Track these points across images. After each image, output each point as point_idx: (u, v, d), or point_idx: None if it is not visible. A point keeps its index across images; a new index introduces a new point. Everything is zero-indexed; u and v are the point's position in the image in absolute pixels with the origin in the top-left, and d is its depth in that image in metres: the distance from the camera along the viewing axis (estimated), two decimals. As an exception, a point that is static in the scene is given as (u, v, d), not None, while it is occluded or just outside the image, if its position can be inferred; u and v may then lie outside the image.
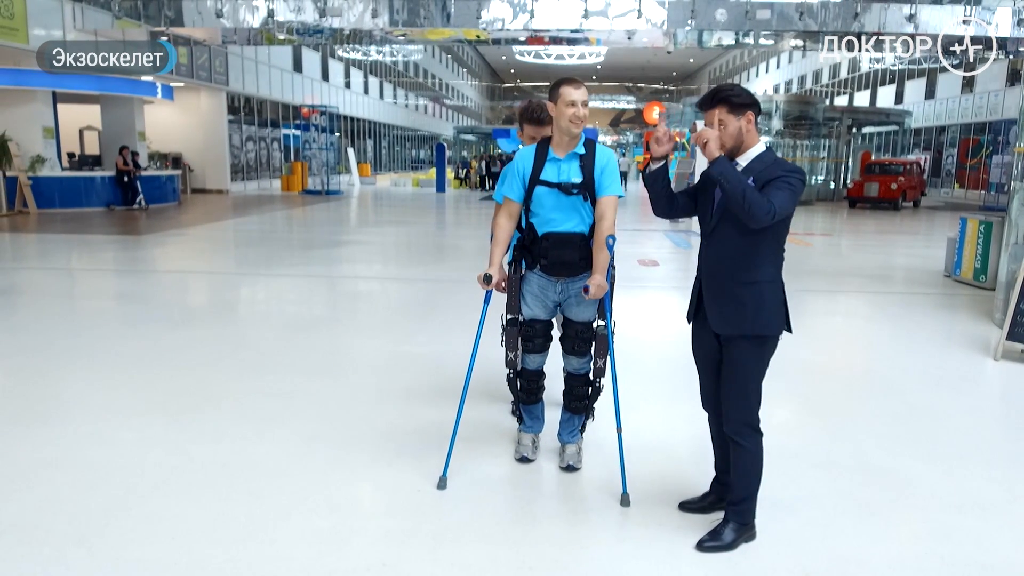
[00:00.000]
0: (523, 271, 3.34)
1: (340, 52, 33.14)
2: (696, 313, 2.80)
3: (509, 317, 3.37)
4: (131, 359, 5.19)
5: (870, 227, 17.14)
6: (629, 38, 18.03)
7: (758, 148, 2.64)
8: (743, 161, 2.64)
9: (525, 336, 3.35)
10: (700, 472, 3.28)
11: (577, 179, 3.17)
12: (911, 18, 15.80)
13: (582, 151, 3.20)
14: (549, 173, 3.19)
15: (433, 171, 31.80)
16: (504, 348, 3.37)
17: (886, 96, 35.31)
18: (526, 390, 3.46)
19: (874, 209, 22.35)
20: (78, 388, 4.54)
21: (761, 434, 2.75)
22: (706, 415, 2.97)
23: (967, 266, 8.85)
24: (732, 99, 2.60)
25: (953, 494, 3.25)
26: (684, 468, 3.42)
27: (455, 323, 6.40)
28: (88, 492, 3.09)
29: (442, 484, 3.16)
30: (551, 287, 3.29)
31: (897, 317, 7.35)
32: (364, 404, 4.27)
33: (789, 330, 2.71)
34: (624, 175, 36.65)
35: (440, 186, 28.81)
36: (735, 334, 2.66)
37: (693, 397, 2.97)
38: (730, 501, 2.78)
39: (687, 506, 3.01)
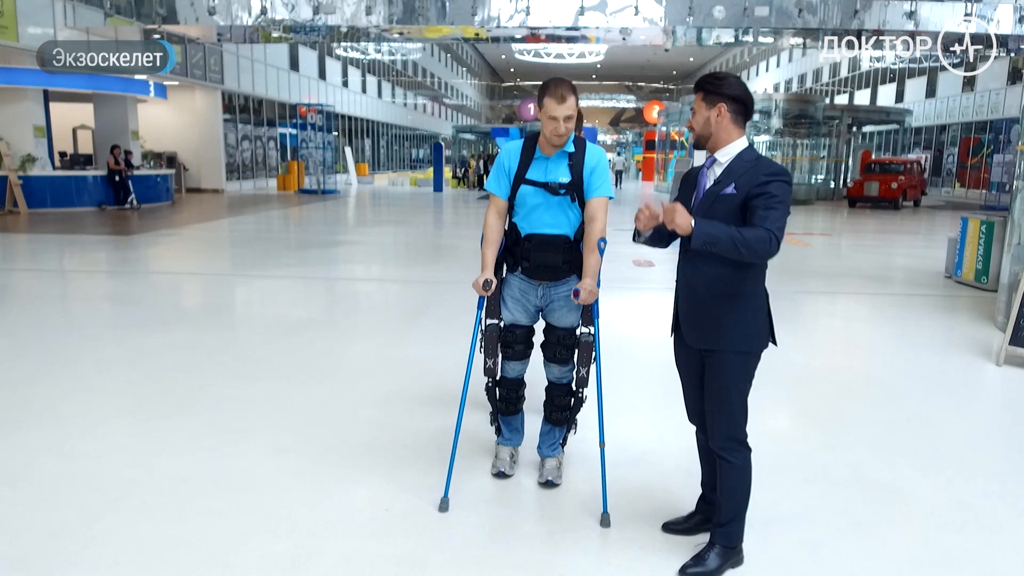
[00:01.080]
0: (504, 273, 3.17)
1: (338, 51, 32.98)
2: (677, 324, 2.62)
3: (489, 322, 3.20)
4: (108, 364, 5.03)
5: (870, 227, 16.96)
6: (624, 39, 17.87)
7: (739, 145, 2.45)
8: (723, 159, 2.46)
9: (505, 342, 3.18)
10: (686, 487, 3.10)
11: (565, 179, 2.99)
12: (911, 15, 15.61)
13: (571, 149, 3.03)
14: (535, 172, 3.02)
15: (431, 170, 31.61)
16: (483, 355, 3.19)
17: (886, 95, 35.13)
18: (505, 400, 3.28)
19: (874, 208, 22.18)
20: (48, 395, 4.36)
21: (749, 449, 2.57)
22: (693, 427, 2.79)
23: (968, 267, 8.67)
24: (707, 87, 2.44)
25: (954, 511, 3.07)
26: (670, 483, 3.25)
27: (444, 326, 6.23)
28: (37, 509, 2.92)
29: (444, 506, 2.97)
30: (533, 291, 3.12)
31: (896, 319, 7.17)
32: (340, 413, 4.09)
33: (774, 343, 2.53)
34: (620, 173, 36.42)
35: (437, 185, 28.62)
36: (714, 349, 2.48)
37: (679, 406, 2.79)
38: (716, 522, 2.60)
39: (671, 527, 2.83)
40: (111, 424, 3.86)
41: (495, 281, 2.99)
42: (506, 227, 3.15)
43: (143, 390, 4.45)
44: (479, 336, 3.16)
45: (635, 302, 7.60)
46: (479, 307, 3.12)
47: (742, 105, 2.42)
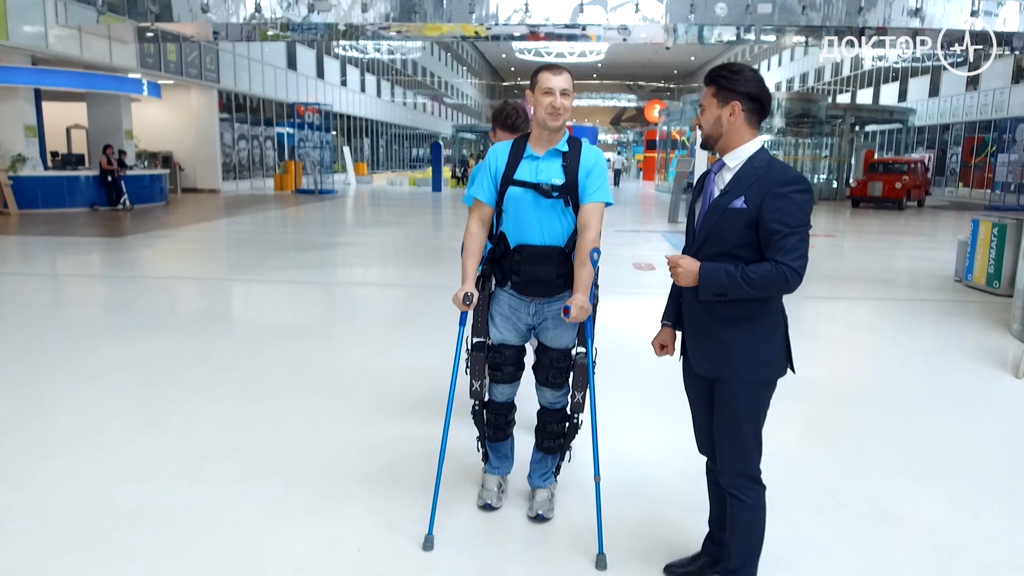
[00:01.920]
0: (492, 288, 2.89)
1: (336, 50, 32.69)
2: (685, 347, 2.35)
3: (475, 341, 2.92)
4: (80, 377, 4.76)
5: (874, 227, 16.68)
6: (624, 39, 17.60)
7: (751, 147, 2.16)
8: (732, 163, 2.18)
9: (493, 363, 2.89)
10: (692, 520, 2.84)
11: (558, 180, 2.69)
12: (917, 12, 15.32)
13: (565, 148, 2.73)
14: (524, 171, 2.72)
15: (430, 170, 31.31)
16: (468, 376, 2.91)
17: (889, 94, 34.83)
18: (493, 425, 2.99)
19: (878, 209, 21.91)
20: (8, 413, 4.07)
21: (763, 487, 2.30)
22: (698, 450, 2.52)
23: (979, 271, 8.40)
24: (721, 81, 2.14)
25: (985, 549, 2.79)
26: (673, 515, 2.97)
27: (434, 334, 5.95)
28: (-25, 548, 2.65)
29: (428, 544, 2.70)
30: (524, 308, 2.82)
31: (906, 326, 6.90)
32: (317, 432, 3.82)
33: (792, 370, 2.26)
34: (619, 173, 36.08)
35: (436, 185, 28.29)
36: (723, 377, 2.21)
37: (686, 424, 2.51)
38: (726, 568, 2.33)
39: (674, 570, 2.55)
40: (71, 446, 3.59)
41: (476, 294, 2.71)
42: (495, 236, 2.86)
43: (112, 406, 4.18)
44: (463, 356, 2.88)
45: (635, 308, 7.32)
46: (461, 323, 2.83)
47: (758, 104, 2.14)
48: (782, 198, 2.05)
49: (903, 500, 3.19)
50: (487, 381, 2.94)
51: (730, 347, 2.17)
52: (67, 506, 2.97)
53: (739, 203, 2.10)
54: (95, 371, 4.89)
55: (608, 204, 2.75)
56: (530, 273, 2.74)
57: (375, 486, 3.18)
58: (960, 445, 3.90)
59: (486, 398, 2.97)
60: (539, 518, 2.90)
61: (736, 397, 2.19)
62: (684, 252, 2.29)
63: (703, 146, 2.26)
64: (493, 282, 2.87)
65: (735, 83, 2.12)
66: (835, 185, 27.56)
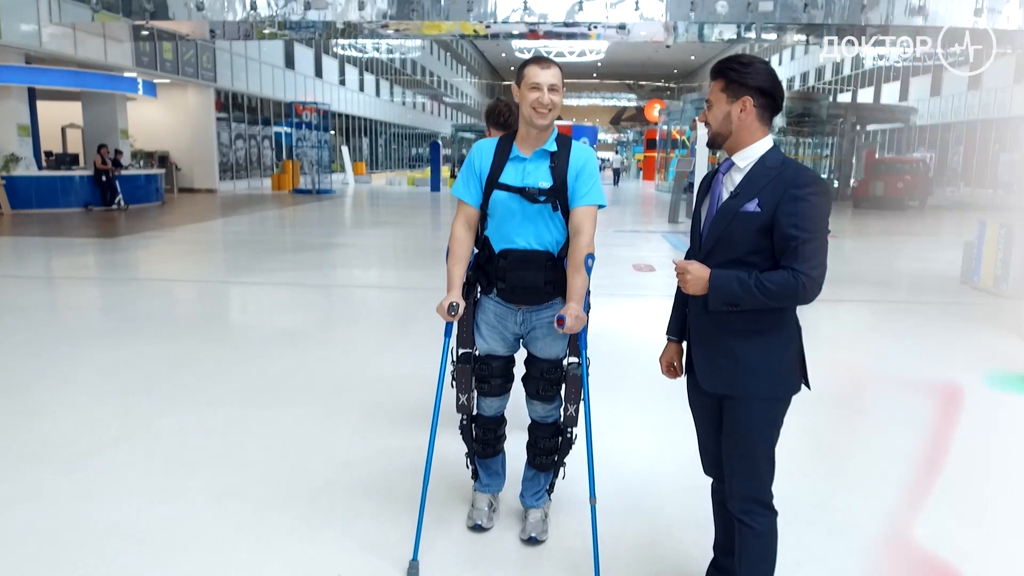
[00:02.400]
0: (477, 295, 2.72)
1: (335, 49, 32.53)
2: (692, 362, 2.17)
3: (461, 351, 2.75)
4: (58, 384, 4.58)
5: (876, 227, 16.50)
6: (622, 38, 17.43)
7: (762, 146, 1.99)
8: (742, 163, 2.00)
9: (480, 376, 2.72)
10: (695, 543, 2.67)
11: (545, 183, 2.51)
12: (920, 10, 15.14)
13: (553, 148, 2.54)
14: (510, 175, 2.54)
15: (429, 170, 31.13)
16: (455, 389, 2.74)
17: (890, 93, 34.65)
18: (482, 441, 2.83)
19: (880, 208, 21.73)
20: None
21: (775, 513, 2.12)
22: (703, 471, 2.35)
23: (987, 272, 8.23)
24: (731, 75, 1.96)
25: None
26: (675, 537, 2.80)
27: (428, 339, 5.74)
28: (-70, 575, 2.48)
29: (413, 570, 2.52)
30: (511, 316, 2.65)
31: (912, 330, 6.73)
32: (302, 444, 3.65)
33: (807, 385, 2.09)
34: (617, 172, 35.90)
35: (435, 185, 28.10)
36: (733, 395, 2.04)
37: (689, 434, 2.35)
38: (731, 599, 2.16)
39: (675, 600, 2.39)
40: (40, 460, 3.41)
41: (462, 304, 2.53)
42: (480, 240, 2.68)
43: (88, 415, 4.01)
44: (449, 368, 2.71)
45: (634, 310, 7.14)
46: (446, 333, 2.66)
47: (771, 99, 1.96)
48: (799, 201, 1.88)
49: (916, 519, 3.01)
50: (475, 394, 2.77)
51: (742, 361, 2.00)
52: (32, 526, 2.80)
53: (752, 207, 1.93)
54: (75, 379, 4.71)
55: (601, 206, 2.57)
56: (516, 279, 2.56)
57: (359, 505, 3.01)
58: (978, 461, 3.72)
59: (474, 412, 2.81)
60: (532, 540, 2.73)
61: (748, 415, 2.02)
62: (689, 258, 2.12)
63: (709, 144, 2.08)
64: (478, 289, 2.70)
65: (746, 76, 1.95)
66: (836, 185, 27.38)
